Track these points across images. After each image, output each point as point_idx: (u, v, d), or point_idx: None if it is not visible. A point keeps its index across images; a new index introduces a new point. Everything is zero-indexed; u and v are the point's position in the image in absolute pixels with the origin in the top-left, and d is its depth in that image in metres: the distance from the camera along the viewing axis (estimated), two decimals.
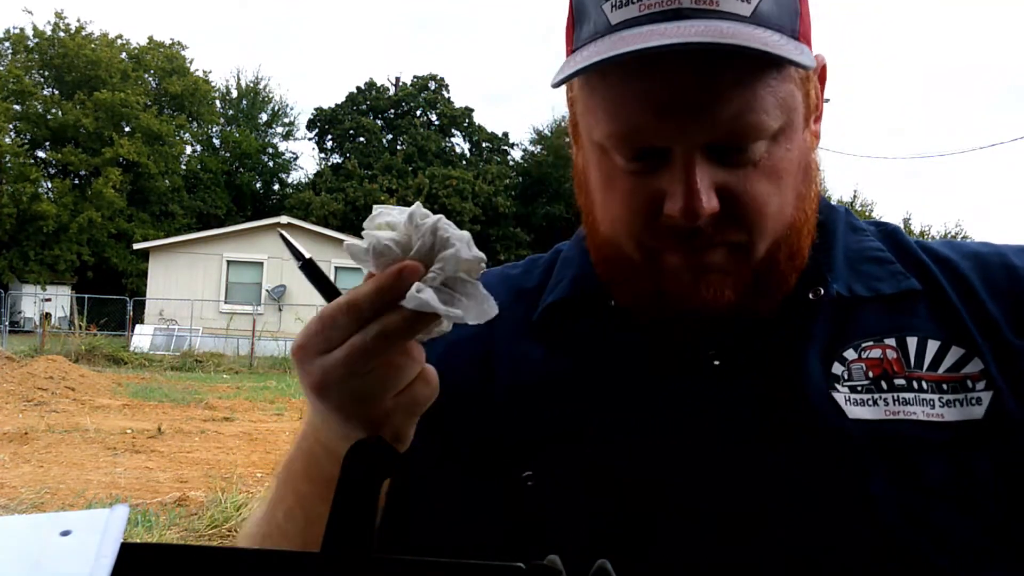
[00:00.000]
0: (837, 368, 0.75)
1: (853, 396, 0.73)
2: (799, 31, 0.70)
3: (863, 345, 0.75)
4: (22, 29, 36.02)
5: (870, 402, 0.73)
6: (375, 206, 0.67)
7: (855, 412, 0.73)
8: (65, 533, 0.47)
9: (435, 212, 0.64)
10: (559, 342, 0.82)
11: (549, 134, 43.29)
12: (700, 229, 0.69)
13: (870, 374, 0.74)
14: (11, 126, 33.70)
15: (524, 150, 44.29)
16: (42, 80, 36.14)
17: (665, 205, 0.69)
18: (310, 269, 0.66)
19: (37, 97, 34.81)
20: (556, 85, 0.71)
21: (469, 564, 0.53)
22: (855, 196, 40.98)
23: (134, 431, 9.48)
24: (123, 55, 37.09)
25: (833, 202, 0.88)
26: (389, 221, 0.64)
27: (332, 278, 0.69)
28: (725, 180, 0.69)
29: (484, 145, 43.55)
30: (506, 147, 43.77)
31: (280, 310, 24.41)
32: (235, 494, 6.29)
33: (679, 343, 0.77)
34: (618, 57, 0.65)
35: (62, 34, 35.65)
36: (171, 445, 8.83)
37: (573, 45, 0.74)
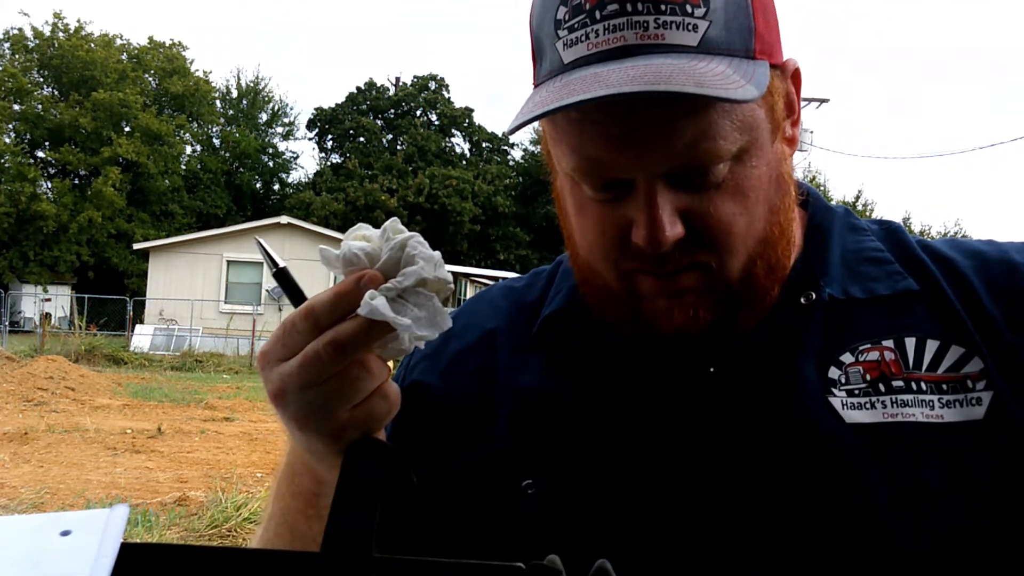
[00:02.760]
0: (833, 372, 0.74)
1: (850, 400, 0.73)
2: (754, 49, 0.69)
3: (860, 348, 0.75)
4: (21, 29, 36.08)
5: (868, 405, 0.73)
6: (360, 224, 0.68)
7: (852, 416, 0.72)
8: (65, 533, 0.47)
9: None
10: (557, 354, 0.83)
11: None
12: (668, 254, 0.70)
13: (867, 377, 0.74)
14: (10, 126, 33.70)
15: (524, 150, 44.29)
16: (41, 80, 36.15)
17: (632, 233, 0.70)
18: (283, 277, 0.68)
19: (36, 97, 34.81)
20: (509, 132, 0.72)
21: (469, 564, 0.53)
22: (858, 196, 40.93)
23: (134, 431, 9.48)
24: (123, 55, 37.12)
25: (834, 202, 0.88)
26: (365, 234, 0.66)
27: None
28: (689, 204, 0.70)
29: (484, 145, 43.55)
30: (506, 147, 43.76)
31: (280, 310, 24.37)
32: (235, 494, 6.30)
33: (675, 352, 0.77)
34: (560, 109, 0.65)
35: (61, 34, 35.65)
36: (171, 445, 8.84)
37: (536, 80, 0.75)
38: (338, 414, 0.63)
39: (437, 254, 0.64)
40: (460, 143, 44.06)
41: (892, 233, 0.84)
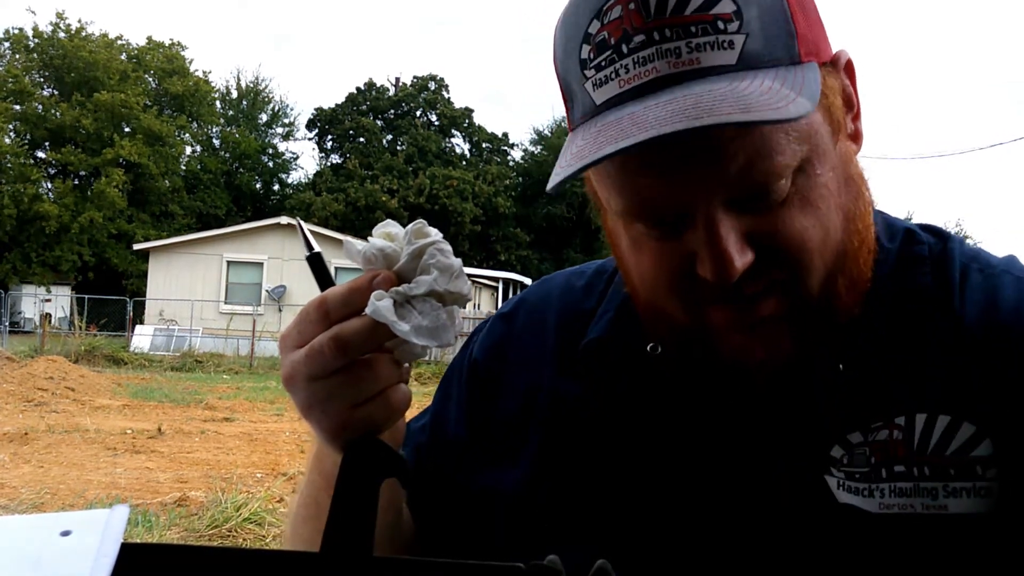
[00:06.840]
0: (837, 451, 0.70)
1: (848, 483, 0.69)
2: (799, 52, 0.64)
3: (872, 426, 0.70)
4: (20, 29, 36.08)
5: (865, 492, 0.69)
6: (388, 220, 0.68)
7: (845, 498, 0.69)
8: (65, 533, 0.47)
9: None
10: (593, 383, 0.80)
11: (549, 134, 43.32)
12: (740, 283, 0.64)
13: (872, 460, 0.69)
14: (11, 126, 33.71)
15: (524, 150, 44.38)
16: (41, 81, 36.16)
17: (697, 267, 0.65)
18: (315, 262, 0.67)
19: (36, 98, 34.81)
20: (551, 189, 0.67)
21: (469, 564, 0.53)
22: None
23: (134, 431, 9.48)
24: (123, 56, 37.13)
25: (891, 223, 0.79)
26: (390, 232, 0.66)
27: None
28: (755, 227, 0.64)
29: (484, 145, 43.60)
30: (506, 147, 43.83)
31: (280, 310, 24.38)
32: (235, 494, 6.29)
33: (702, 403, 0.75)
34: (598, 161, 0.61)
35: (62, 35, 35.66)
36: (171, 445, 8.83)
37: (570, 124, 0.71)
38: (337, 412, 0.63)
39: (457, 264, 0.63)
40: (460, 143, 44.16)
41: (943, 262, 0.76)
